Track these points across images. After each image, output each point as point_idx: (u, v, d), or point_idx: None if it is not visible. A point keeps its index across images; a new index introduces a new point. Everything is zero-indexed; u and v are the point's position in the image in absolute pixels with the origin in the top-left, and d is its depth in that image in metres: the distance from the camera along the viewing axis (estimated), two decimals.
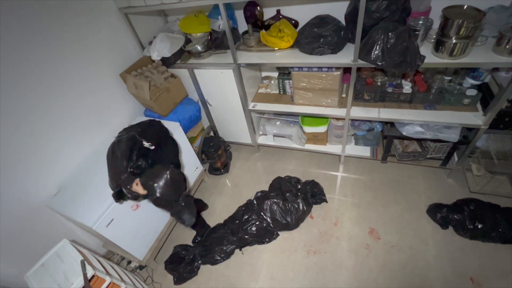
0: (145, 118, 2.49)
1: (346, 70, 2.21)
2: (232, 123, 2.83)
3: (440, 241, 2.05)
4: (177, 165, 1.79)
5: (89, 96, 2.13)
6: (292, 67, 2.24)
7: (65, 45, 1.92)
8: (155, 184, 1.46)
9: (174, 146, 1.81)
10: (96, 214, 1.71)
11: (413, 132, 2.16)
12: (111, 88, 2.31)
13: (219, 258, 2.21)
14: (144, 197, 1.58)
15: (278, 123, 2.79)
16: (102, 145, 2.24)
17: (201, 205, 2.61)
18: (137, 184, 1.50)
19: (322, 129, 2.59)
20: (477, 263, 1.91)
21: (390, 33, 1.71)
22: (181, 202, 1.59)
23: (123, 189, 1.55)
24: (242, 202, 2.52)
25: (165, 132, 1.75)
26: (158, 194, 1.46)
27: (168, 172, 1.50)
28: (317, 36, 2.00)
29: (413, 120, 2.09)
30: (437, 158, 2.47)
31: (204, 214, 2.58)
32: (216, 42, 2.41)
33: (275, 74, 2.74)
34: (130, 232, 1.97)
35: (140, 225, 2.05)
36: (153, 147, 1.64)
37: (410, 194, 2.37)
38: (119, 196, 1.59)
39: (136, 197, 1.58)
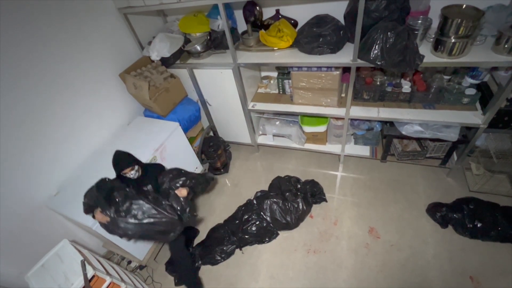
0: (144, 118, 2.50)
1: (346, 69, 2.20)
2: (231, 123, 2.83)
3: (440, 240, 2.05)
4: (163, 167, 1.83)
5: (88, 96, 2.13)
6: (292, 67, 2.24)
7: (63, 45, 1.92)
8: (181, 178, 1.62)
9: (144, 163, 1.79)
10: None
11: (412, 132, 2.16)
12: (110, 88, 2.31)
13: (219, 258, 2.21)
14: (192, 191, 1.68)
15: (277, 122, 2.79)
16: (101, 145, 2.25)
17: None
18: (181, 191, 1.60)
19: (321, 128, 2.59)
20: (476, 261, 1.91)
21: (389, 33, 1.71)
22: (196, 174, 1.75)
23: (188, 212, 1.61)
24: (242, 202, 2.52)
25: (130, 154, 1.68)
26: (193, 179, 1.65)
27: (169, 169, 1.67)
28: (317, 35, 2.00)
29: (413, 119, 2.09)
30: (436, 157, 2.47)
31: (205, 214, 2.58)
32: (215, 42, 2.41)
33: (275, 74, 2.74)
34: None
35: None
36: (135, 173, 1.63)
37: (409, 193, 2.38)
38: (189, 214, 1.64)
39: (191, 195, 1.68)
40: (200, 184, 1.72)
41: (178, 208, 1.58)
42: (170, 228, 1.58)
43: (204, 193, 2.73)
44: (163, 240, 1.73)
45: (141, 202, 1.50)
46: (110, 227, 1.52)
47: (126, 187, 1.56)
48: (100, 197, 1.49)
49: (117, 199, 1.49)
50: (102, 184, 1.56)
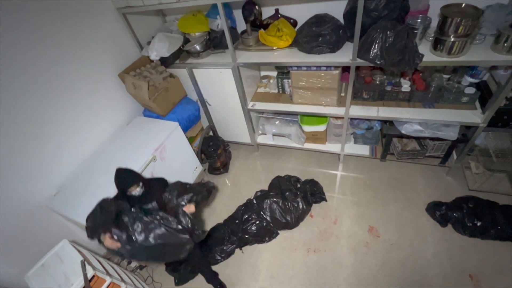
0: (144, 118, 2.50)
1: (345, 69, 2.21)
2: (231, 123, 2.83)
3: (439, 238, 2.06)
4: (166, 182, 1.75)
5: (87, 96, 2.12)
6: (291, 66, 2.24)
7: (62, 45, 1.91)
8: (185, 196, 1.57)
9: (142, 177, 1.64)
10: None
11: (412, 131, 2.17)
12: (109, 88, 2.30)
13: (219, 257, 2.21)
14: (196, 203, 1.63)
15: (277, 122, 2.79)
16: (101, 145, 2.24)
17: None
18: (189, 208, 1.55)
19: (321, 128, 2.59)
20: (476, 260, 1.92)
21: (388, 32, 1.71)
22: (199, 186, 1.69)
23: (198, 229, 1.55)
24: (242, 201, 2.52)
25: (132, 171, 1.57)
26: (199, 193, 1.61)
27: (173, 184, 1.61)
28: (316, 35, 2.00)
29: (412, 118, 2.09)
30: (436, 156, 2.48)
31: (205, 214, 2.58)
32: (214, 42, 2.41)
33: (274, 73, 2.74)
34: None
35: None
36: (140, 190, 1.52)
37: (409, 192, 2.38)
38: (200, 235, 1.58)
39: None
40: (204, 198, 1.66)
41: (189, 226, 1.49)
42: (182, 248, 1.51)
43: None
44: (175, 260, 1.64)
45: (152, 224, 1.41)
46: (120, 253, 1.41)
47: (131, 208, 1.46)
48: (108, 221, 1.38)
49: (127, 222, 1.39)
50: (106, 205, 1.44)
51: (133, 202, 1.53)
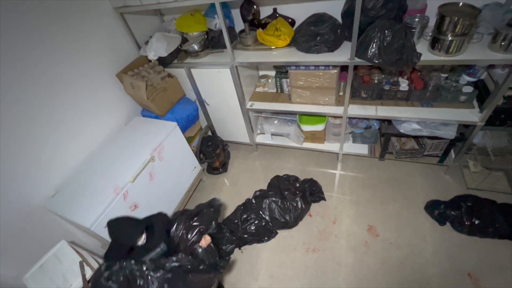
0: (142, 118, 2.49)
1: (343, 68, 2.21)
2: (230, 122, 2.82)
3: (438, 237, 2.06)
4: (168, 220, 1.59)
5: (85, 96, 2.11)
6: (289, 66, 2.24)
7: (61, 46, 1.91)
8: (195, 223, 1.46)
9: (137, 222, 1.44)
10: (94, 215, 1.70)
11: (410, 130, 2.17)
12: (107, 88, 2.30)
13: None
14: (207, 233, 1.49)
15: (276, 122, 2.79)
16: (99, 146, 2.24)
17: None
18: (205, 240, 1.42)
19: (319, 127, 2.59)
20: (474, 258, 1.92)
21: (386, 31, 1.71)
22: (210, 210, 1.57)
23: (219, 261, 1.44)
24: (241, 201, 2.52)
25: (130, 218, 1.42)
26: (211, 226, 1.49)
27: (178, 219, 1.51)
28: (314, 34, 2.00)
29: (410, 117, 2.09)
30: (434, 155, 2.48)
31: None
32: (212, 41, 2.40)
33: (273, 73, 2.74)
34: None
35: None
36: (145, 237, 1.37)
37: (408, 191, 2.38)
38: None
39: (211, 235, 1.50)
40: (215, 221, 1.52)
41: (211, 260, 1.37)
42: (211, 284, 1.34)
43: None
44: None
45: (174, 276, 1.19)
46: None
47: (142, 265, 1.18)
48: None
49: (144, 285, 1.14)
50: (111, 272, 1.13)
51: (139, 253, 1.34)
